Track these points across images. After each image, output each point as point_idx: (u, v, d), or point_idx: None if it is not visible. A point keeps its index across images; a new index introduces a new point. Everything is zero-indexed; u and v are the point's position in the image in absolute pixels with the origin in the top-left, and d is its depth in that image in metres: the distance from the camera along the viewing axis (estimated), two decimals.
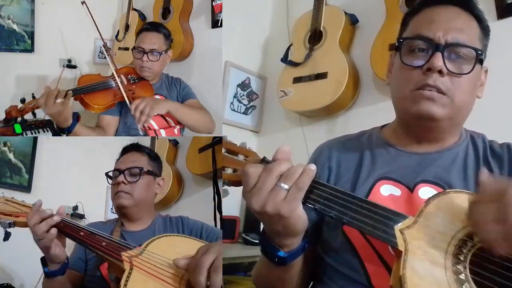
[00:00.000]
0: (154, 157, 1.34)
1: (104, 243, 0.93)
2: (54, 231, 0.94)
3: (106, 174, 1.28)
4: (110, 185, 1.28)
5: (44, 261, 0.98)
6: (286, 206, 0.65)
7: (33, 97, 1.39)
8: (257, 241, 1.72)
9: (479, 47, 0.80)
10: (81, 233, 0.96)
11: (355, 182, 0.85)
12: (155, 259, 0.86)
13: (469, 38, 0.78)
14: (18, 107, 1.37)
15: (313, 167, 0.68)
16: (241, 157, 0.78)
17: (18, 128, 1.58)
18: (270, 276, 0.81)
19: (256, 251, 1.73)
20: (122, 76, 1.64)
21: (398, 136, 0.89)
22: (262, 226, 0.74)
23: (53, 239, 0.94)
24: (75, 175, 2.21)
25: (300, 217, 0.68)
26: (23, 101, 1.38)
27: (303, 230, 0.71)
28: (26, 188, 2.23)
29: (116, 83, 1.59)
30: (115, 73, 1.59)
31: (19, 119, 1.38)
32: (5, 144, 2.22)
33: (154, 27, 1.74)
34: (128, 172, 1.23)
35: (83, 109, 1.57)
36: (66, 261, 0.99)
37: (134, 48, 1.70)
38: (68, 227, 0.97)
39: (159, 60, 1.69)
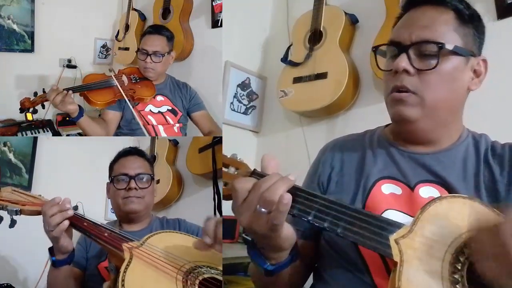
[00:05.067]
0: (152, 162, 1.39)
1: (106, 234, 0.96)
2: (66, 223, 0.97)
3: (114, 177, 1.29)
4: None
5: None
6: (269, 227, 0.66)
7: (44, 91, 1.56)
8: None
9: (453, 38, 0.78)
10: (85, 223, 1.00)
11: (357, 181, 0.86)
12: (155, 250, 0.88)
13: (434, 33, 0.78)
14: (31, 99, 1.55)
15: (293, 178, 0.68)
16: (232, 170, 0.77)
17: (29, 116, 1.80)
18: (261, 279, 0.82)
19: None
20: (125, 76, 1.75)
21: (397, 137, 0.89)
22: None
23: (63, 231, 0.97)
24: (75, 175, 2.20)
25: (285, 235, 0.69)
26: (35, 94, 1.56)
27: (290, 247, 0.72)
28: (26, 188, 2.23)
29: (118, 82, 1.70)
30: (112, 75, 1.71)
31: (31, 109, 1.57)
32: (5, 144, 2.22)
33: (156, 30, 1.81)
34: (138, 178, 1.27)
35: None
36: (72, 251, 1.03)
37: (138, 50, 1.79)
38: (73, 217, 1.00)
39: (162, 61, 1.77)
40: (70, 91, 1.50)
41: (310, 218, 0.68)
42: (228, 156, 0.79)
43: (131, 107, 1.66)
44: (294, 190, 0.70)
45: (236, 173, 0.77)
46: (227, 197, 0.73)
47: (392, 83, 0.80)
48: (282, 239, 0.68)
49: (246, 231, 0.71)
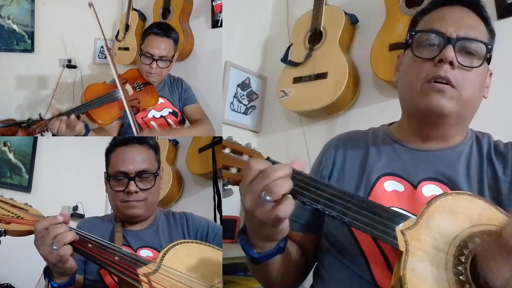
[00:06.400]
0: (158, 149, 1.19)
1: (116, 258, 0.82)
2: (69, 236, 0.82)
3: (111, 177, 1.10)
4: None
5: (48, 274, 0.84)
6: (272, 217, 0.65)
7: (40, 118, 1.39)
8: None
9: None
10: (89, 245, 0.84)
11: (359, 176, 0.86)
12: (174, 276, 0.80)
13: (479, 34, 0.81)
14: (27, 130, 1.37)
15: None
16: (245, 157, 0.77)
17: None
18: (250, 266, 0.82)
19: None
20: (128, 85, 1.61)
21: (404, 133, 0.89)
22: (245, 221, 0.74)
23: (70, 255, 0.82)
24: (75, 175, 2.21)
25: (282, 227, 0.69)
26: (29, 120, 1.38)
27: (280, 239, 0.73)
28: (26, 188, 2.24)
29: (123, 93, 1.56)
30: (119, 86, 1.52)
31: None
32: (5, 144, 2.22)
33: (164, 31, 1.66)
34: (140, 177, 1.09)
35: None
36: (75, 270, 0.87)
37: (141, 52, 1.65)
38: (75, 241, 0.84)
39: (168, 66, 1.68)
40: (72, 115, 1.36)
41: (319, 206, 0.69)
42: (243, 145, 0.79)
43: (131, 120, 1.52)
44: (305, 179, 0.71)
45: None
46: (238, 183, 0.72)
47: (433, 72, 0.79)
48: (278, 231, 0.69)
49: (246, 215, 0.69)
